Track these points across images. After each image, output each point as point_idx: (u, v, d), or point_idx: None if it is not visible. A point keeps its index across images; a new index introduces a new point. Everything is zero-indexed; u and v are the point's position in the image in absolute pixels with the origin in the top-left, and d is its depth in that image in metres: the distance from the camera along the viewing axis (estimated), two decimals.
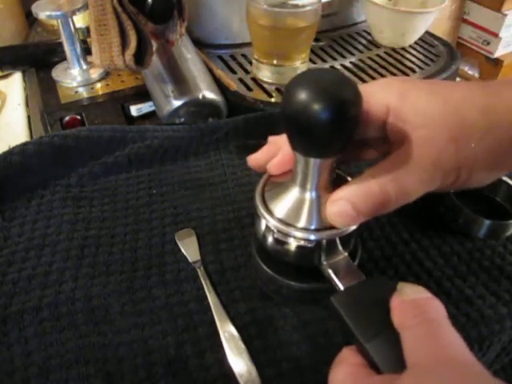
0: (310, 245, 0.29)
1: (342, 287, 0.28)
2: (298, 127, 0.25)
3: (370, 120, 0.28)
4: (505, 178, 0.42)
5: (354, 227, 0.29)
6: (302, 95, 0.24)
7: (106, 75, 0.63)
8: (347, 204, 0.26)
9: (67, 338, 0.32)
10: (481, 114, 0.26)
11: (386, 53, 0.70)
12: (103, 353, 0.31)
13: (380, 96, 0.28)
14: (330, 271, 0.29)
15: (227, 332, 0.32)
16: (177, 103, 0.51)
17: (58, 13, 0.56)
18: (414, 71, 0.65)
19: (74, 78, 0.62)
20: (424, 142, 0.26)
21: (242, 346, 0.31)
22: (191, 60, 0.56)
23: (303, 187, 0.29)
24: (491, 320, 0.33)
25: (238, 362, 0.30)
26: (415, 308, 0.23)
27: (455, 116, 0.26)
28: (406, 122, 0.27)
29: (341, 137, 0.26)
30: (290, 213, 0.29)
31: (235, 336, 0.32)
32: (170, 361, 0.31)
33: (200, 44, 0.64)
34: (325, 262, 0.30)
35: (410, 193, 0.26)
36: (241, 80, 0.61)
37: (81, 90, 0.61)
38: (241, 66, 0.64)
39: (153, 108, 0.57)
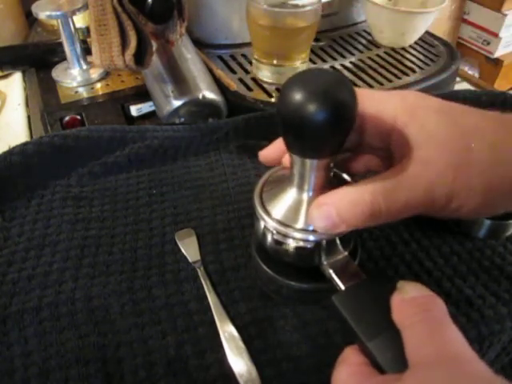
0: (309, 245, 0.29)
1: (342, 287, 0.28)
2: (293, 128, 0.25)
3: (376, 128, 0.28)
4: None
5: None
6: (297, 96, 0.24)
7: (106, 75, 0.63)
8: (332, 209, 0.26)
9: (67, 338, 0.32)
10: (489, 149, 0.25)
11: (385, 53, 0.70)
12: (103, 353, 0.31)
13: (390, 106, 0.27)
14: (331, 271, 0.29)
15: (227, 332, 0.32)
16: (177, 103, 0.51)
17: (58, 13, 0.56)
18: (414, 71, 0.65)
19: (74, 78, 0.62)
20: (422, 163, 0.25)
21: (242, 345, 0.31)
22: (191, 60, 0.56)
23: (300, 188, 0.29)
24: (491, 320, 0.33)
25: (238, 361, 0.30)
26: (416, 306, 0.23)
27: (462, 143, 0.25)
28: (410, 139, 0.26)
29: (336, 137, 0.26)
30: (289, 214, 0.29)
31: (235, 336, 0.32)
32: (170, 361, 0.31)
33: (200, 44, 0.64)
34: (325, 262, 0.30)
35: (398, 211, 0.26)
36: (241, 80, 0.61)
37: (81, 89, 0.61)
38: (241, 65, 0.64)
39: (153, 108, 0.57)
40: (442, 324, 0.22)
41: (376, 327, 0.24)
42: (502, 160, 0.25)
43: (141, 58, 0.49)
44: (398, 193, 0.25)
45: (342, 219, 0.26)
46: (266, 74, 0.61)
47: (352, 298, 0.26)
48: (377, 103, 0.27)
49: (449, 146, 0.25)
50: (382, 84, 0.62)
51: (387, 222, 0.26)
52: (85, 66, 0.63)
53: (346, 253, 0.31)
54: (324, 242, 0.29)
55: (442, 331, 0.21)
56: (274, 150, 0.32)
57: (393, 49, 0.70)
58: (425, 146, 0.26)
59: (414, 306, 0.23)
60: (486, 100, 0.56)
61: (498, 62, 1.29)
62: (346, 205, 0.26)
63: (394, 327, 0.23)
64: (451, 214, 0.27)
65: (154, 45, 0.50)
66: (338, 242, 0.30)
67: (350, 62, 0.67)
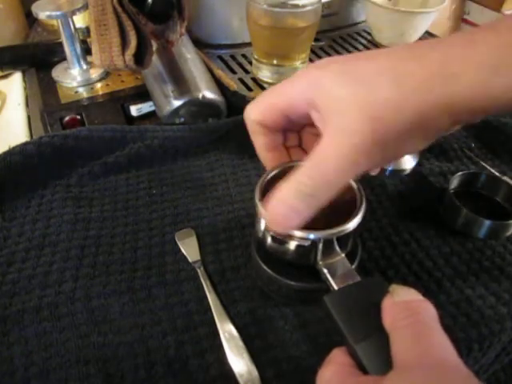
0: (306, 244, 0.29)
1: (336, 287, 0.28)
2: None
3: (298, 116, 0.28)
4: (505, 178, 0.42)
5: (352, 227, 0.29)
6: None
7: (105, 75, 0.63)
8: (284, 207, 0.26)
9: (67, 338, 0.32)
10: (395, 85, 0.24)
11: None
12: (103, 353, 0.31)
13: (298, 90, 0.27)
14: (326, 271, 0.29)
15: (227, 332, 0.32)
16: (177, 103, 0.51)
17: (58, 13, 0.56)
18: None
19: (74, 78, 0.62)
20: (339, 130, 0.25)
21: (242, 345, 0.31)
22: (191, 60, 0.56)
23: None
24: (491, 320, 0.33)
25: (238, 361, 0.30)
26: (406, 310, 0.23)
27: (366, 93, 0.24)
28: (322, 111, 0.26)
29: None
30: None
31: (235, 336, 0.32)
32: (170, 361, 0.31)
33: (200, 44, 0.64)
34: (321, 262, 0.30)
35: (334, 181, 0.25)
36: (241, 80, 0.61)
37: (81, 89, 0.61)
38: (241, 66, 0.64)
39: (153, 108, 0.57)
40: (430, 329, 0.22)
41: (364, 330, 0.24)
42: (412, 92, 0.24)
43: (141, 58, 0.49)
44: (326, 167, 0.25)
45: (296, 211, 0.26)
46: (266, 73, 0.61)
47: (343, 299, 0.26)
48: (287, 93, 0.28)
49: (356, 101, 0.24)
50: None
51: (334, 191, 0.26)
52: (85, 66, 0.63)
53: (343, 254, 0.31)
54: (321, 241, 0.29)
55: (429, 336, 0.21)
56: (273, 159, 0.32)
57: None
58: (336, 112, 0.25)
59: (404, 309, 0.23)
60: None
61: None
62: (291, 194, 0.26)
63: (383, 331, 0.23)
64: (398, 156, 0.27)
65: (154, 45, 0.50)
66: (335, 242, 0.30)
67: None
